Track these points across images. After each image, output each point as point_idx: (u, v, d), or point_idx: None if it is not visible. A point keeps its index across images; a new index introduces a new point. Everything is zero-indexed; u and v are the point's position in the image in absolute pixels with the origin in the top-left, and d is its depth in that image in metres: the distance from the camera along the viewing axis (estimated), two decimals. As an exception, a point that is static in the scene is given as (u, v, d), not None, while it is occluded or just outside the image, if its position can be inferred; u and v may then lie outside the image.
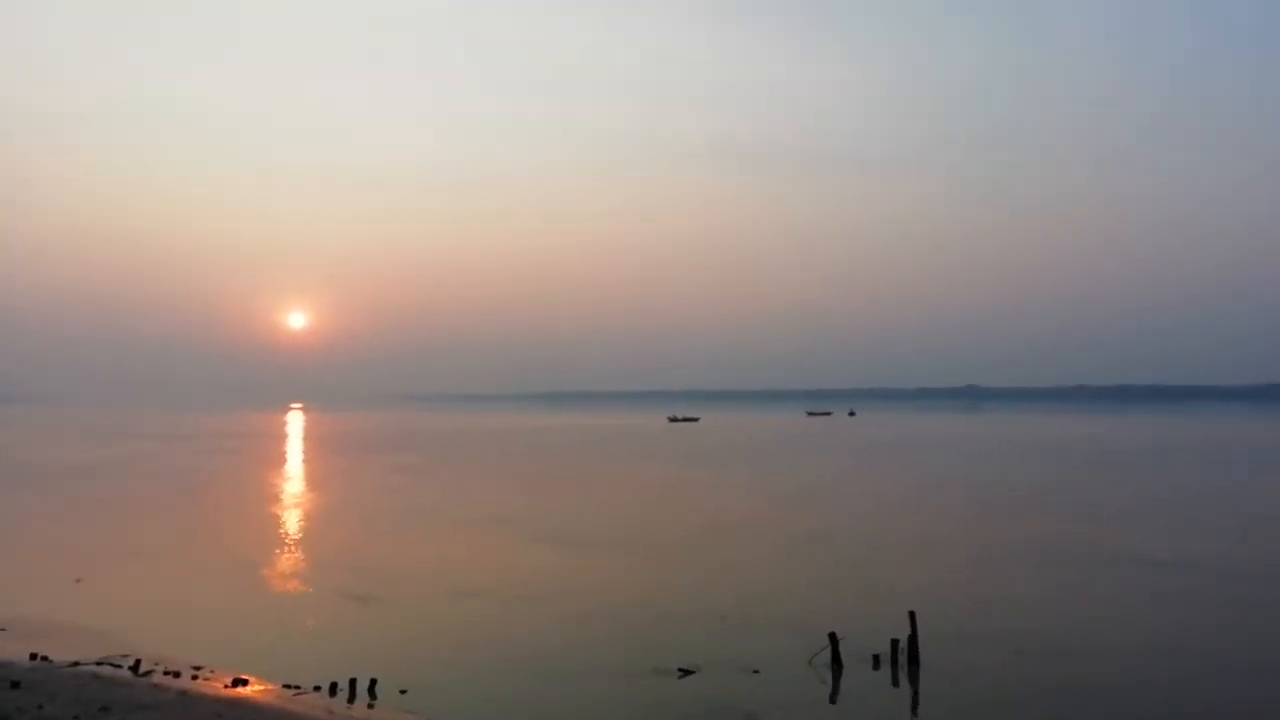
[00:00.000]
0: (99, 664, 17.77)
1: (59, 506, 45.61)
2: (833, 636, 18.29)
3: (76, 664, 17.65)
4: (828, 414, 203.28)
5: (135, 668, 17.57)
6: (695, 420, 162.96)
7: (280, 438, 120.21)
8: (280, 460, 79.79)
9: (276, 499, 49.18)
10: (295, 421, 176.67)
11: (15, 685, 15.22)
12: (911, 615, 18.67)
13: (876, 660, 18.26)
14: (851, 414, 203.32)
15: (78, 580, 26.47)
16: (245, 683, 16.95)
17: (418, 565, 29.40)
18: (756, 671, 17.80)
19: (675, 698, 16.54)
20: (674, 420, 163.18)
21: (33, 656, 17.90)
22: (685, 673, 17.77)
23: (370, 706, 16.15)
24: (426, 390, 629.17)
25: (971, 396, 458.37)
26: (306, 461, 78.53)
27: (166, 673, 17.35)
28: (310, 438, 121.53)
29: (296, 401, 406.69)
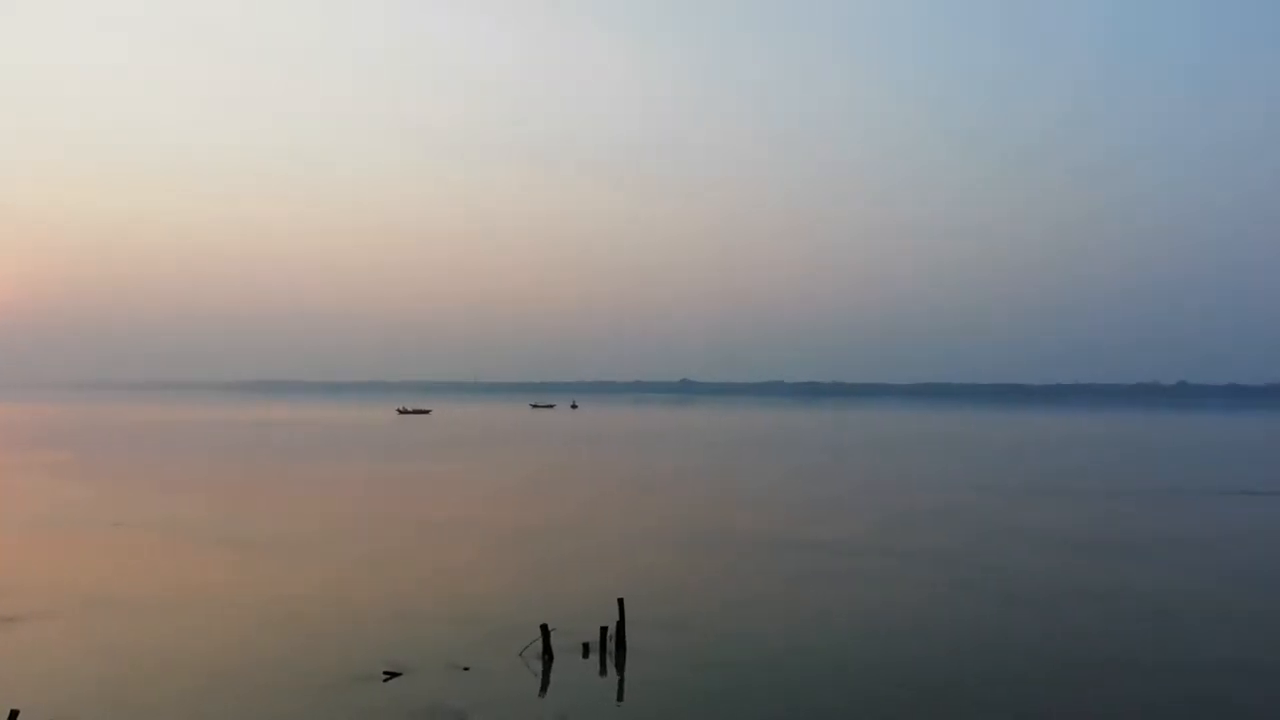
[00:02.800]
0: None
1: None
2: (544, 628, 18.38)
3: None
4: (551, 406, 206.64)
5: None
6: (427, 412, 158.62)
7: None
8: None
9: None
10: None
11: None
12: (620, 602, 19.24)
13: (586, 649, 18.61)
14: (574, 406, 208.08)
15: None
16: None
17: (79, 579, 25.87)
18: (466, 669, 17.47)
19: (381, 702, 15.78)
20: (404, 412, 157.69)
21: None
22: (391, 675, 17.03)
23: (10, 743, 13.85)
24: (114, 377, 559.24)
25: (685, 391, 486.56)
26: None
27: None
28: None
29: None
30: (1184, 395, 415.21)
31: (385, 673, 17.13)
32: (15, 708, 14.62)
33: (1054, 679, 17.61)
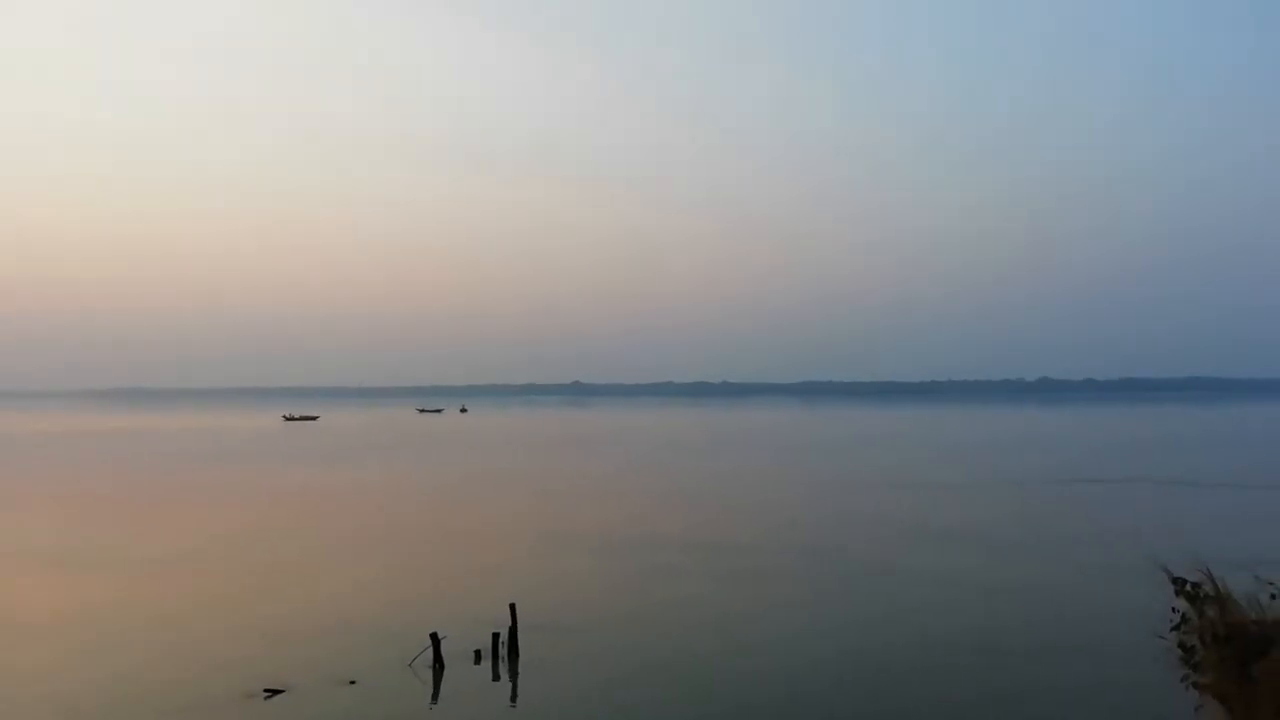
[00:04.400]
0: None
1: None
2: (434, 636, 18.04)
3: None
4: (439, 411, 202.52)
5: None
6: (314, 419, 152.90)
7: None
8: None
9: None
10: None
11: None
12: (512, 607, 19.07)
13: (478, 655, 18.38)
14: (463, 410, 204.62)
15: None
16: None
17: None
18: (352, 683, 16.97)
19: (260, 722, 15.18)
20: (290, 419, 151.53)
21: None
22: (272, 693, 16.39)
23: None
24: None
25: (578, 393, 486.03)
26: None
27: None
28: None
29: None
30: (1046, 390, 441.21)
31: (266, 690, 16.48)
32: None
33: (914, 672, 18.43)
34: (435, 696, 16.69)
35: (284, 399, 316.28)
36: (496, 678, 17.66)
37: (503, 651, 18.53)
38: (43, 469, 66.64)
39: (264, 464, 70.32)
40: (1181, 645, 9.51)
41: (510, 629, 18.80)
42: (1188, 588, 9.59)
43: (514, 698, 16.90)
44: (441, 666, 17.77)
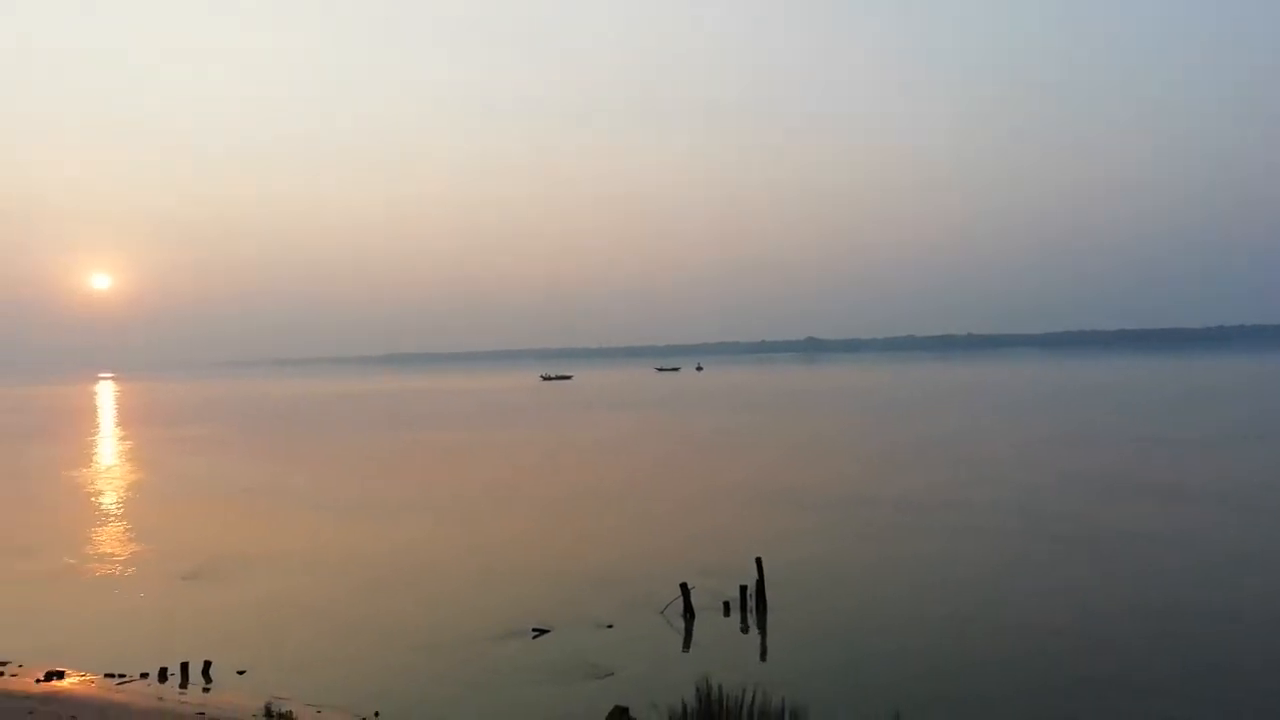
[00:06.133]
0: (-117, 667, 15.91)
1: None
2: (684, 587, 18.67)
3: None
4: (676, 369, 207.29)
5: (-72, 668, 15.85)
6: (569, 378, 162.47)
7: (89, 410, 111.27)
8: (90, 435, 73.88)
9: (87, 478, 45.53)
10: (105, 394, 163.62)
11: None
12: (758, 561, 19.31)
13: (727, 607, 18.81)
14: (699, 369, 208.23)
15: None
16: (61, 675, 15.62)
17: (250, 543, 27.95)
18: (610, 626, 17.97)
19: (532, 656, 16.48)
20: (547, 379, 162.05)
21: None
22: (539, 633, 17.72)
23: (205, 690, 15.25)
24: (254, 355, 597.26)
25: (811, 348, 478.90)
26: (120, 436, 72.92)
27: (-34, 671, 15.74)
28: (124, 409, 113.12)
29: (106, 371, 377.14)
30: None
31: (534, 629, 17.83)
32: (208, 659, 16.08)
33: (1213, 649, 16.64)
34: (687, 644, 17.30)
35: (538, 360, 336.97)
36: (745, 629, 18.01)
37: (751, 604, 18.85)
38: (329, 428, 75.51)
39: (526, 421, 75.42)
40: None
41: (757, 582, 19.07)
42: None
43: (763, 650, 17.16)
44: (692, 615, 18.38)
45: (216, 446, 59.20)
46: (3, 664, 16.22)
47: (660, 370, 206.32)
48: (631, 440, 56.75)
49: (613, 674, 15.43)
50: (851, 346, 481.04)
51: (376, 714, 13.76)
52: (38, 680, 15.33)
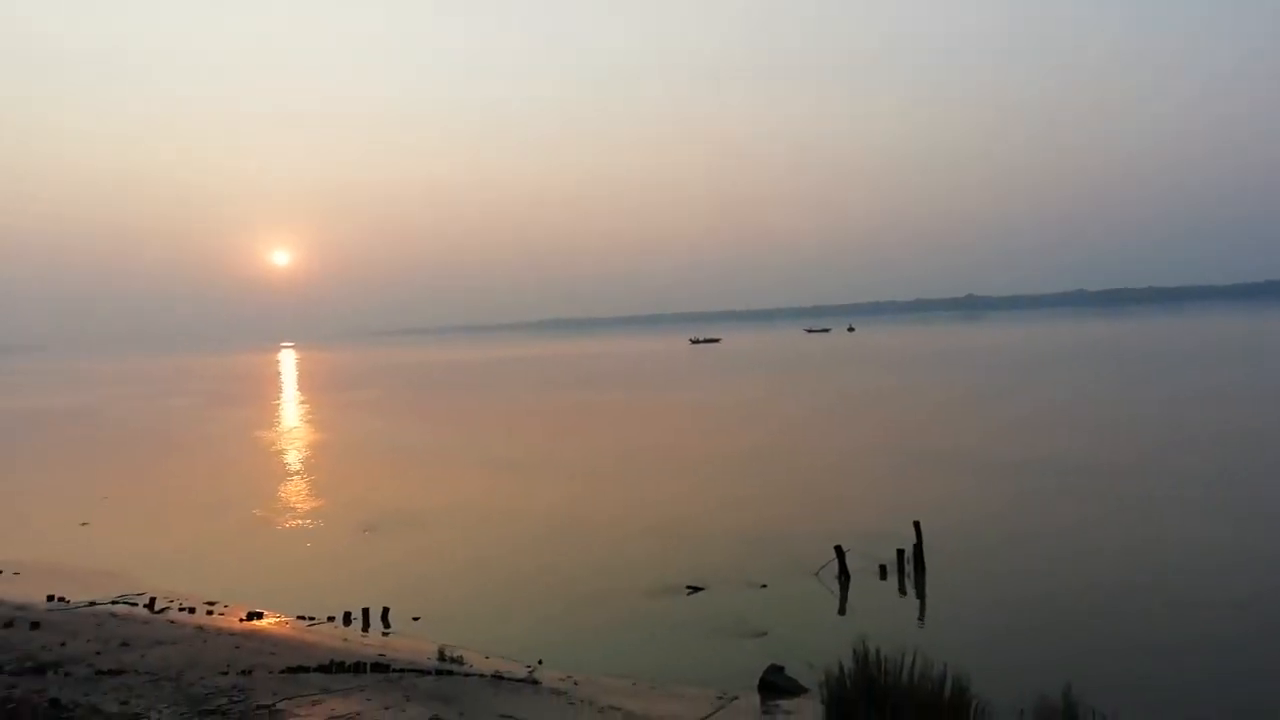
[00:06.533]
0: (115, 602, 17.99)
1: (56, 453, 45.84)
2: (838, 549, 18.46)
3: (93, 603, 17.85)
4: (826, 331, 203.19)
5: (150, 605, 17.80)
6: (717, 341, 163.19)
7: (273, 377, 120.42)
8: (275, 400, 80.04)
9: (273, 438, 49.44)
10: (288, 360, 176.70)
11: (35, 626, 15.41)
12: (916, 525, 18.82)
13: (883, 570, 18.47)
14: (850, 330, 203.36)
15: (84, 524, 26.68)
16: (260, 615, 17.18)
17: (421, 499, 29.62)
18: (764, 586, 18.02)
19: (687, 613, 16.77)
20: (696, 342, 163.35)
21: (50, 598, 18.10)
22: (694, 590, 17.98)
23: (384, 634, 16.39)
24: (419, 323, 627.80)
25: (971, 306, 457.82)
26: (301, 400, 78.75)
27: (182, 609, 17.58)
28: (304, 376, 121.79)
29: (288, 340, 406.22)
30: None
31: (689, 587, 18.12)
32: (386, 605, 17.26)
33: None
34: (842, 607, 17.13)
35: (688, 324, 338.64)
36: (903, 592, 17.64)
37: (908, 568, 18.43)
38: (488, 390, 78.65)
39: (676, 384, 76.18)
40: None
41: (915, 546, 18.61)
42: None
43: (921, 614, 16.77)
44: (847, 578, 18.17)
45: (385, 408, 62.98)
46: (211, 604, 18.00)
47: (810, 332, 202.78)
48: (781, 402, 56.27)
49: (766, 633, 15.49)
50: (1015, 303, 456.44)
51: (540, 662, 14.40)
52: (241, 619, 16.95)
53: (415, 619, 16.90)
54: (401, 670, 13.16)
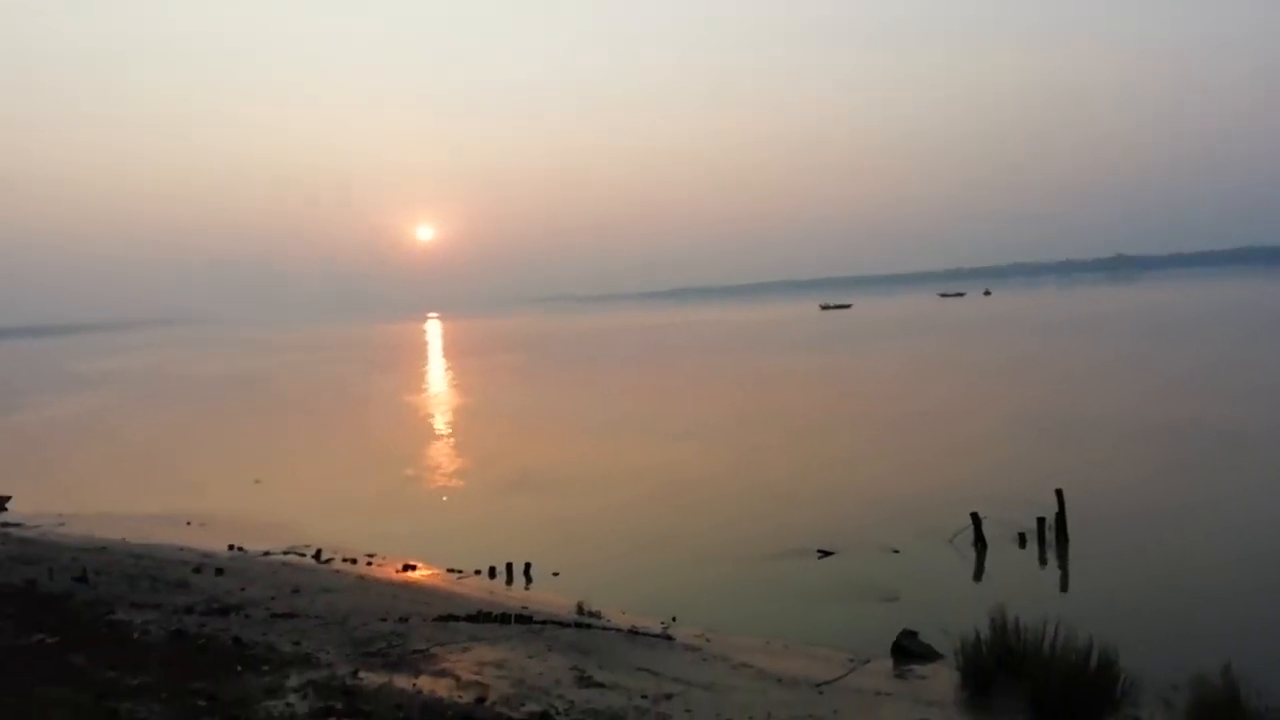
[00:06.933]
0: (286, 553, 19.64)
1: (227, 415, 49.77)
2: (974, 516, 18.11)
3: (268, 553, 19.56)
4: (960, 295, 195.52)
5: (317, 556, 19.35)
6: (848, 307, 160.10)
7: (421, 345, 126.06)
8: (423, 366, 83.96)
9: (425, 402, 52.04)
10: (433, 329, 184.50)
11: (220, 572, 17.07)
12: (1059, 493, 18.22)
13: (1022, 539, 18.03)
14: (987, 293, 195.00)
15: (256, 481, 29.05)
16: (414, 568, 18.42)
17: (557, 461, 30.67)
18: (896, 552, 17.92)
19: (817, 576, 16.91)
20: (826, 308, 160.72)
21: (230, 547, 19.93)
22: (824, 554, 18.07)
23: (526, 588, 17.28)
24: (556, 291, 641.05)
25: (1121, 266, 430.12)
26: (447, 366, 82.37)
27: (344, 560, 19.03)
28: (449, 343, 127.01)
29: (433, 310, 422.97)
30: None
31: (819, 551, 18.22)
32: (528, 561, 18.17)
33: None
34: (979, 574, 16.86)
35: (818, 290, 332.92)
36: (1044, 562, 17.19)
37: (1050, 537, 17.91)
38: (622, 356, 79.87)
39: (806, 349, 75.33)
40: None
41: (1057, 514, 18.05)
42: None
43: (1064, 585, 16.33)
44: (984, 545, 17.83)
45: (523, 374, 65.18)
46: (370, 555, 19.40)
47: (944, 296, 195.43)
48: (914, 368, 54.85)
49: (899, 598, 15.46)
50: (1168, 262, 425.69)
51: (674, 619, 14.89)
52: (397, 570, 18.23)
53: (555, 574, 17.72)
54: (543, 622, 13.90)
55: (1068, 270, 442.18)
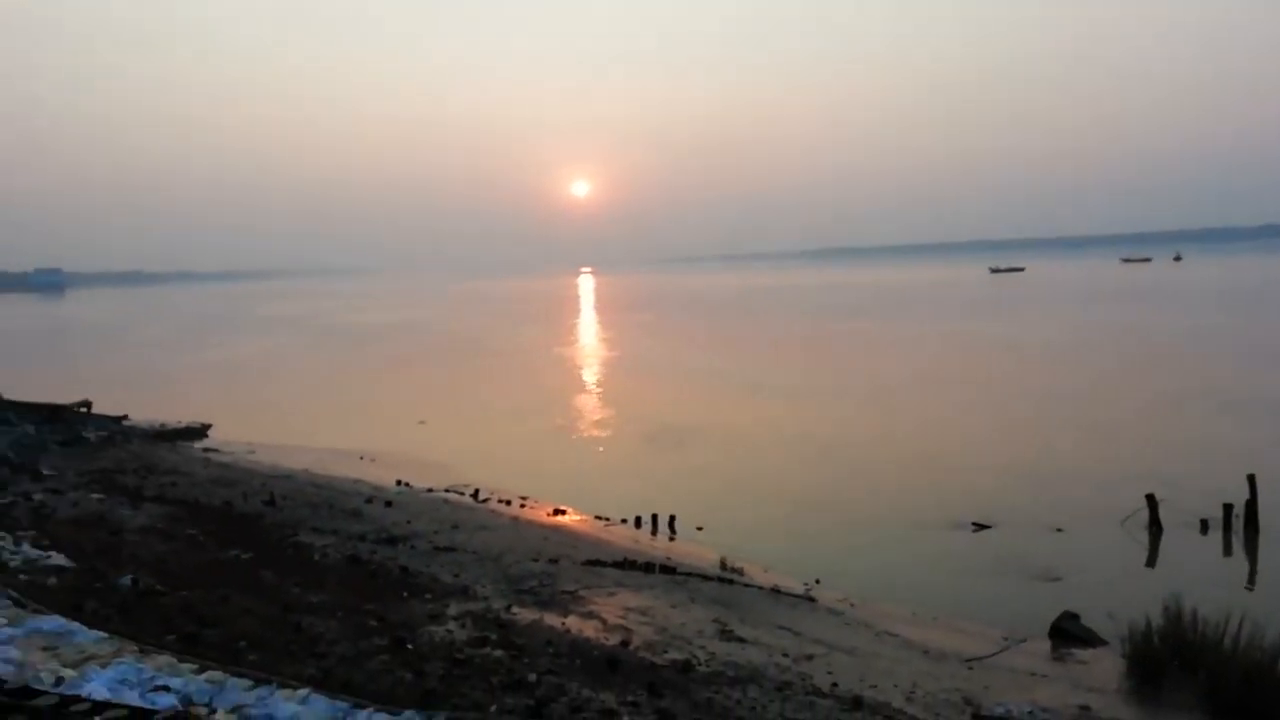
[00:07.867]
0: (447, 490, 20.74)
1: (392, 360, 52.73)
2: (1150, 498, 16.91)
3: (431, 490, 20.71)
4: (1147, 260, 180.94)
5: (475, 495, 20.31)
6: (1021, 270, 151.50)
7: (574, 299, 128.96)
8: (572, 319, 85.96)
9: (569, 354, 53.48)
10: (587, 284, 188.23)
11: (389, 504, 18.24)
12: (1250, 478, 16.72)
13: (1204, 525, 16.70)
14: (1177, 259, 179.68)
15: (421, 422, 30.72)
16: (564, 512, 19.03)
17: (701, 416, 30.74)
18: (1059, 530, 16.99)
19: (971, 549, 16.30)
20: (996, 271, 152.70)
21: (398, 483, 21.21)
22: (979, 527, 17.38)
23: (670, 539, 17.53)
24: (707, 250, 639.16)
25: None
26: (600, 320, 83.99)
27: (500, 500, 19.89)
28: (601, 298, 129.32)
29: (586, 266, 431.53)
30: None
31: (974, 524, 17.53)
32: (673, 514, 18.40)
33: None
34: (1152, 559, 15.78)
35: (986, 251, 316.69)
36: (1228, 552, 15.87)
37: (1237, 526, 16.49)
38: (766, 315, 78.86)
39: (974, 315, 72.03)
40: None
41: (1247, 502, 16.58)
42: None
43: (1250, 578, 15.03)
44: (1159, 530, 16.64)
45: (667, 331, 65.80)
46: (524, 498, 20.19)
47: (1126, 261, 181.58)
48: (1091, 337, 51.35)
49: (1060, 579, 14.70)
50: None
51: (817, 581, 14.74)
52: (548, 514, 18.90)
53: (699, 529, 17.87)
54: (687, 574, 14.08)
55: (1270, 234, 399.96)
